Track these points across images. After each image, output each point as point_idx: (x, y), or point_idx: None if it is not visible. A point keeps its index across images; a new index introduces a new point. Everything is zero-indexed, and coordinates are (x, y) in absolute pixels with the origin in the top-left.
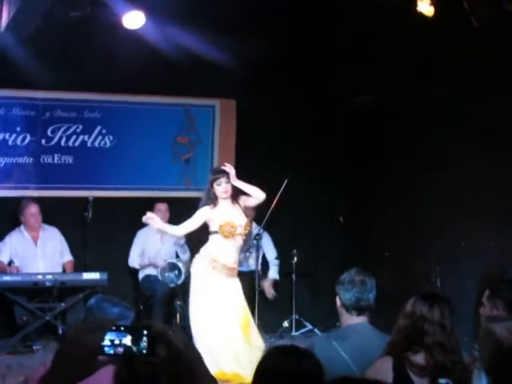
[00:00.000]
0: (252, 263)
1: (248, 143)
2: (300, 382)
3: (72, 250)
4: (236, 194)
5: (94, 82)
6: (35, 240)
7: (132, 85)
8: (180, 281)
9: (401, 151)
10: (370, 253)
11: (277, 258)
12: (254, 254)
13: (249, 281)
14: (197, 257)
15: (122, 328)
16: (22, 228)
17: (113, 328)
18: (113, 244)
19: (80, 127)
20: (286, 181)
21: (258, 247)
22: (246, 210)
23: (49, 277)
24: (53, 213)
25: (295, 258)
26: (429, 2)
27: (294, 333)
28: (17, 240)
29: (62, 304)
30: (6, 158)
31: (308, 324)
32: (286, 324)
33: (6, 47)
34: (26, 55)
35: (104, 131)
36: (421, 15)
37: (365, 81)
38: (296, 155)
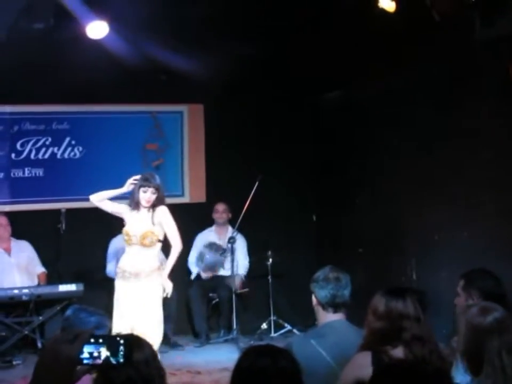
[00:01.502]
0: (228, 267)
1: (217, 146)
2: (276, 381)
3: (47, 262)
4: (159, 203)
5: (61, 94)
6: (8, 251)
7: (99, 95)
8: None
9: (371, 145)
10: (345, 250)
11: (245, 258)
12: (229, 258)
13: (226, 285)
14: None
15: (100, 340)
16: None
17: (92, 340)
18: (87, 254)
19: (49, 139)
20: (257, 182)
21: (232, 250)
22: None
23: (25, 291)
24: (26, 226)
25: (270, 260)
26: None
27: (273, 334)
28: None
29: (40, 317)
30: None
31: (286, 325)
32: (264, 325)
33: None
34: None
35: (73, 142)
36: (383, 10)
37: (332, 76)
38: (266, 155)
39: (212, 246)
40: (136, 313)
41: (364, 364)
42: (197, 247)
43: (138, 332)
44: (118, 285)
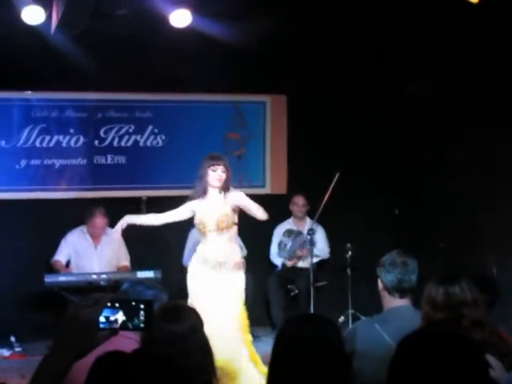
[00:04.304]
0: (306, 259)
1: (299, 137)
2: (317, 349)
3: (127, 249)
4: (227, 186)
5: (145, 82)
6: (95, 243)
7: (181, 84)
8: None
9: (453, 139)
10: (426, 244)
11: (323, 249)
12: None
13: (305, 277)
14: None
15: (117, 305)
16: (84, 229)
17: (109, 304)
18: (167, 242)
19: (132, 127)
20: (337, 174)
21: (312, 242)
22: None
23: (103, 276)
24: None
25: (349, 252)
26: None
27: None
28: (78, 241)
29: None
30: (60, 160)
31: (364, 318)
32: (342, 318)
33: (57, 49)
34: (77, 56)
35: (156, 130)
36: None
37: (416, 68)
38: (348, 147)
39: (290, 232)
40: (215, 306)
41: None
42: (276, 238)
43: (217, 326)
44: (195, 272)
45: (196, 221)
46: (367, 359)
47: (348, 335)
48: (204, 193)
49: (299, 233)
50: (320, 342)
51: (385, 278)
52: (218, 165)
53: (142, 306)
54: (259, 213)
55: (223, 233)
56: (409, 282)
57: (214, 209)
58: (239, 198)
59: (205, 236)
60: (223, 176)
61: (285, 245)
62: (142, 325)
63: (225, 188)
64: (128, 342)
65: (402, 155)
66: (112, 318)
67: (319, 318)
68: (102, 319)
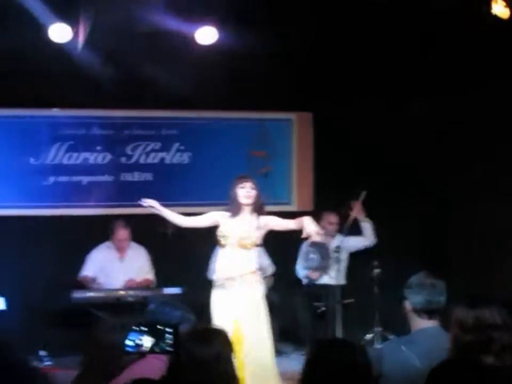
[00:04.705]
0: (333, 275)
1: (325, 154)
2: (347, 372)
3: (153, 266)
4: (262, 208)
5: (170, 100)
6: (121, 257)
7: (207, 101)
8: None
9: (481, 157)
10: (452, 263)
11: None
12: (335, 267)
13: (332, 295)
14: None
15: (144, 329)
16: (110, 244)
17: (135, 328)
18: (193, 258)
19: (159, 144)
20: (364, 192)
21: (338, 260)
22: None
23: (131, 292)
24: (134, 229)
25: (376, 270)
26: (504, 4)
27: (377, 346)
28: (103, 256)
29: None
30: (87, 177)
31: (391, 336)
32: (369, 336)
33: (84, 66)
34: (103, 73)
35: (182, 148)
36: (496, 17)
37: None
38: (374, 164)
39: (315, 244)
40: (241, 322)
41: None
42: (302, 252)
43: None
44: (216, 295)
45: (218, 232)
46: (394, 381)
47: (375, 358)
48: (236, 213)
49: (324, 245)
50: (349, 366)
51: (413, 299)
52: (246, 181)
53: (168, 329)
54: (290, 225)
55: (242, 250)
56: (438, 303)
57: (239, 225)
58: (270, 222)
59: (224, 249)
60: (253, 192)
61: (310, 256)
62: (168, 348)
63: (258, 210)
64: (156, 363)
65: (429, 173)
66: (139, 342)
67: (348, 342)
68: (129, 342)
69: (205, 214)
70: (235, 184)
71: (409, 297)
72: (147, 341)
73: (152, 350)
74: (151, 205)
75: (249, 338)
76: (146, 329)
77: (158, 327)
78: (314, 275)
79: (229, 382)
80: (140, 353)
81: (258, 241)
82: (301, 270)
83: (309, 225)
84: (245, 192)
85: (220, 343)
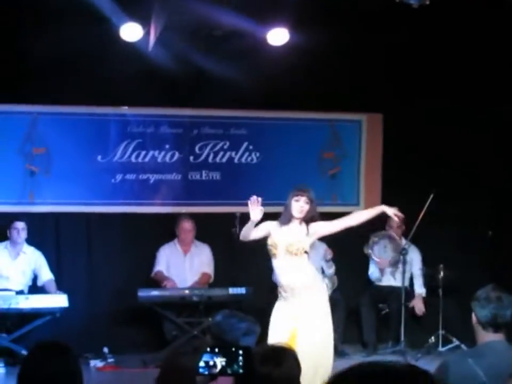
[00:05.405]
0: (399, 278)
1: (395, 155)
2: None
3: (219, 264)
4: (312, 220)
5: (240, 99)
6: (185, 253)
7: (277, 101)
8: None
9: None
10: None
11: (420, 269)
12: (401, 269)
13: (397, 297)
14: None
15: (216, 350)
16: (175, 241)
17: (208, 350)
18: (259, 258)
19: (227, 143)
20: (431, 195)
21: (404, 262)
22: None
23: (196, 291)
24: (201, 228)
25: (442, 273)
26: None
27: (440, 349)
28: (170, 252)
29: (210, 319)
30: (155, 175)
31: (455, 340)
32: (432, 339)
33: (154, 65)
34: (174, 72)
35: (251, 147)
36: None
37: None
38: (443, 166)
39: (378, 235)
40: (298, 332)
41: None
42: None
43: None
44: (279, 306)
45: (269, 241)
46: None
47: (440, 370)
48: (287, 223)
49: (397, 241)
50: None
51: (479, 312)
52: (301, 195)
53: (241, 352)
54: (347, 222)
55: (292, 258)
56: (504, 317)
57: (289, 233)
58: (319, 230)
59: (275, 258)
60: (305, 207)
61: (373, 246)
62: (240, 370)
63: (307, 221)
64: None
65: (499, 175)
66: (211, 363)
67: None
68: (201, 363)
69: (260, 225)
70: (291, 195)
71: (475, 310)
72: (219, 362)
73: (224, 372)
74: (254, 207)
75: (303, 347)
76: (218, 351)
77: (232, 349)
78: (383, 263)
79: None
80: (211, 375)
81: (307, 248)
82: (372, 267)
83: (388, 209)
84: (299, 207)
85: (290, 364)
